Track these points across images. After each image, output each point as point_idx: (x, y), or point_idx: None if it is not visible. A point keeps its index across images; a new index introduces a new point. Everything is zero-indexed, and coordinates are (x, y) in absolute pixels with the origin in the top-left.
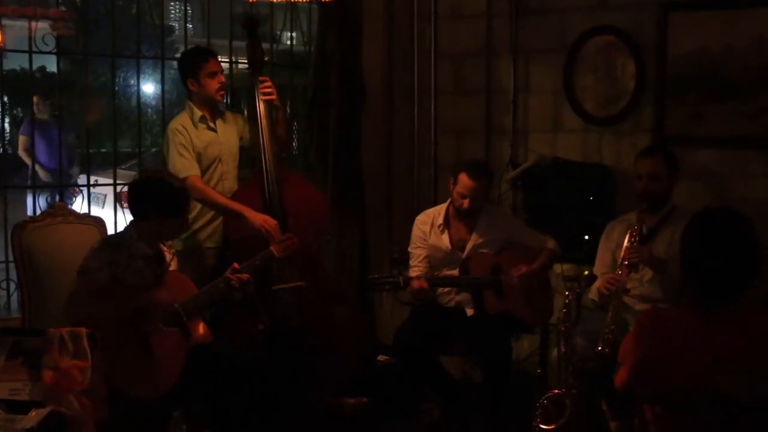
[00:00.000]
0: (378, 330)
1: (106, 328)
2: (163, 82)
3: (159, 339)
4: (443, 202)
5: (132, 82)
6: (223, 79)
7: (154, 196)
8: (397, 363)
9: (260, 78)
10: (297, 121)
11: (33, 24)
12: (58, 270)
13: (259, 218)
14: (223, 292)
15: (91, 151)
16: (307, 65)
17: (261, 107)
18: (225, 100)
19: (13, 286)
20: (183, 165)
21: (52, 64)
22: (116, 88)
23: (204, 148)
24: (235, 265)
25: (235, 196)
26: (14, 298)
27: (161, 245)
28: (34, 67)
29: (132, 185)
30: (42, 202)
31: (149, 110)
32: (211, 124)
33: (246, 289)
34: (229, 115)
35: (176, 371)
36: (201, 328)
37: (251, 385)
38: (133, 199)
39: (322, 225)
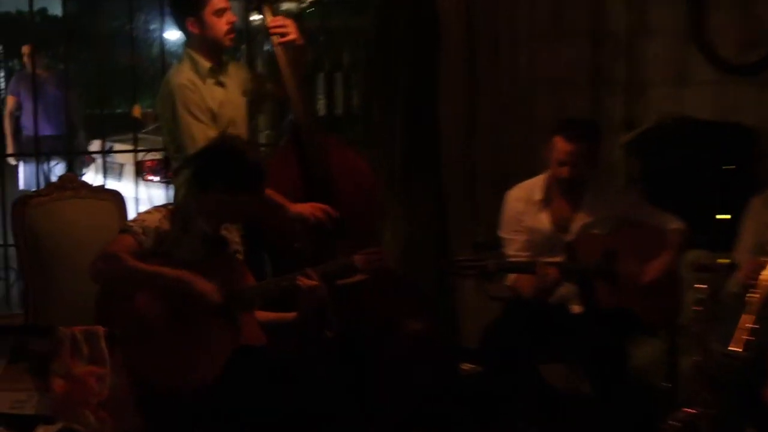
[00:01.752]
0: (461, 331)
1: (138, 301)
2: None
3: (200, 324)
4: (541, 173)
5: (153, 27)
6: (233, 18)
7: (221, 164)
8: (486, 372)
9: (269, 18)
10: (355, 74)
11: None
12: (69, 255)
13: (305, 208)
14: (284, 293)
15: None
16: (367, 4)
17: (281, 55)
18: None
19: (13, 275)
20: (202, 132)
21: (55, 7)
22: (134, 35)
23: (218, 108)
24: (308, 270)
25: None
26: (15, 290)
27: (225, 229)
28: (34, 8)
29: (203, 152)
30: (32, 175)
31: (174, 62)
32: (221, 78)
33: (312, 298)
34: (231, 66)
35: (216, 365)
36: (253, 326)
37: (306, 404)
38: (199, 169)
39: (375, 203)
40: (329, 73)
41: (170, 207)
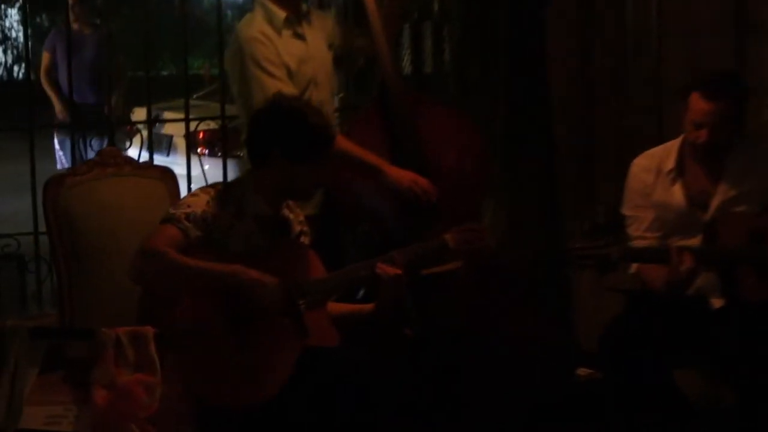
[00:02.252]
0: (577, 330)
1: (188, 303)
2: None
3: (261, 326)
4: (673, 138)
5: None
6: None
7: (280, 132)
8: (606, 379)
9: None
10: (447, 25)
11: None
12: (111, 244)
13: (405, 177)
14: (360, 283)
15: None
16: None
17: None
18: None
19: (45, 268)
20: (276, 87)
21: None
22: None
23: (296, 65)
24: (392, 254)
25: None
26: (48, 286)
27: (287, 209)
28: None
29: (256, 116)
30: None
31: (228, 13)
32: (299, 30)
33: (393, 288)
34: (315, 14)
35: (280, 378)
36: (324, 324)
37: (387, 414)
38: (255, 135)
39: (480, 174)
40: (416, 24)
41: (219, 187)
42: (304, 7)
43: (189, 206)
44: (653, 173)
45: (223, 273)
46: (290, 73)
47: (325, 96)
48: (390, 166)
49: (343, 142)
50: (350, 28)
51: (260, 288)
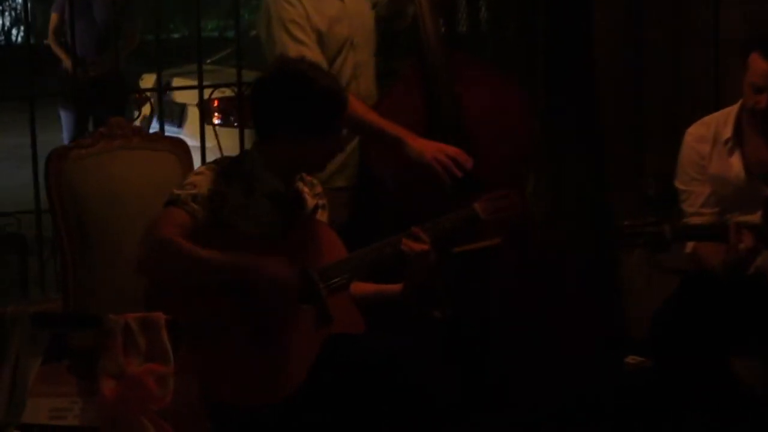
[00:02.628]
0: (626, 315)
1: (200, 296)
2: None
3: (282, 320)
4: (732, 104)
5: None
6: None
7: (290, 101)
8: (658, 368)
9: None
10: None
11: None
12: (119, 221)
13: (429, 148)
14: (385, 262)
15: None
16: None
17: None
18: None
19: (48, 248)
20: (300, 53)
21: None
22: None
23: (327, 26)
24: (416, 229)
25: (380, 107)
26: (50, 268)
27: (301, 182)
28: None
29: (257, 85)
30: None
31: None
32: None
33: (422, 265)
34: None
35: (302, 370)
36: (348, 309)
37: (415, 403)
38: (259, 105)
39: (524, 143)
40: None
41: (226, 162)
42: None
43: (195, 186)
44: (709, 143)
45: (236, 266)
46: (321, 36)
47: (365, 57)
48: (413, 136)
49: (360, 110)
50: None
51: (274, 280)
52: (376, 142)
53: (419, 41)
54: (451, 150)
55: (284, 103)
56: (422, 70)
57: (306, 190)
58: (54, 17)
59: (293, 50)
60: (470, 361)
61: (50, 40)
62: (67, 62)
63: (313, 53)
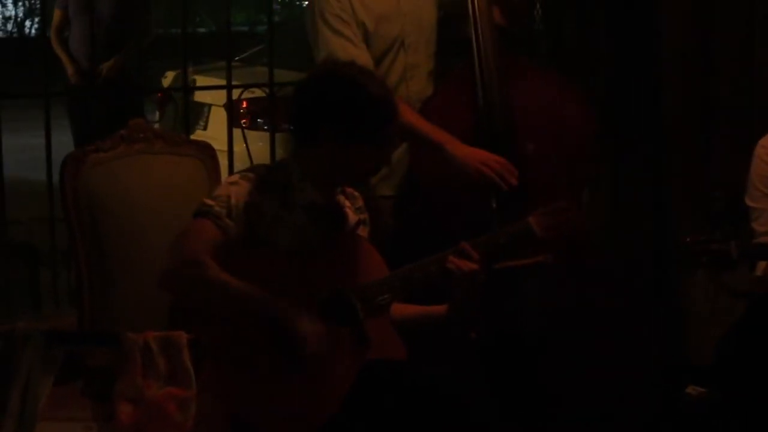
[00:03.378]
0: (688, 341)
1: (230, 319)
2: None
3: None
4: None
5: None
6: None
7: (336, 105)
8: (721, 398)
9: None
10: None
11: None
12: (139, 232)
13: (473, 157)
14: (430, 282)
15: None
16: None
17: None
18: None
19: (62, 260)
20: (344, 49)
21: None
22: None
23: (375, 24)
24: (465, 245)
25: (426, 109)
26: (64, 281)
27: (342, 195)
28: None
29: (302, 86)
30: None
31: None
32: None
33: (470, 285)
34: None
35: (338, 396)
36: (387, 333)
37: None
38: (302, 109)
39: (582, 153)
40: None
41: (263, 172)
42: None
43: (229, 196)
44: None
45: (265, 305)
46: (367, 34)
47: (419, 59)
48: (457, 143)
49: (404, 111)
50: None
51: (302, 336)
52: (421, 147)
53: (473, 44)
54: (497, 160)
55: (330, 107)
56: (473, 73)
57: (347, 203)
58: (57, 14)
59: (337, 45)
60: (514, 386)
61: (52, 40)
62: (69, 68)
63: (359, 50)
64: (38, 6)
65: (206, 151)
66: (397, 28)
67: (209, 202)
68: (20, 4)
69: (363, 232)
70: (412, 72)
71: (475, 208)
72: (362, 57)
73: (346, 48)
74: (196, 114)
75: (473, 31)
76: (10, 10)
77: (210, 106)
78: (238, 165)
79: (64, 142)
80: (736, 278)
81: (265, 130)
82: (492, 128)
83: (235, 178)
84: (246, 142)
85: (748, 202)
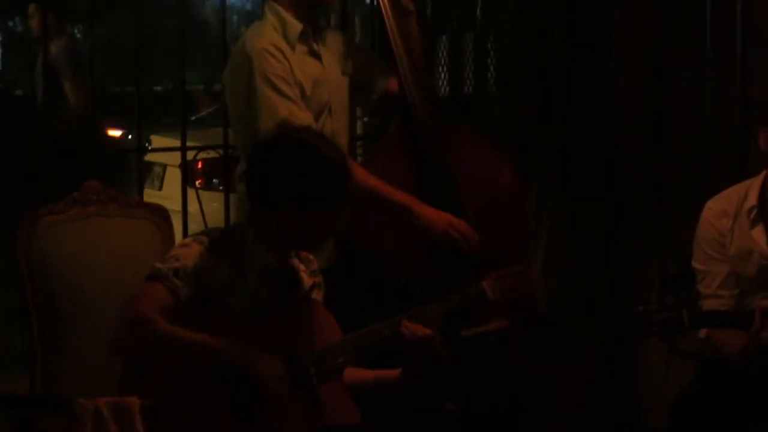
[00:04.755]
0: (641, 404)
1: (181, 382)
2: None
3: (269, 406)
4: (758, 173)
5: None
6: None
7: (285, 170)
8: None
9: None
10: (493, 36)
11: None
12: (93, 295)
13: (441, 220)
14: (383, 347)
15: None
16: None
17: (385, 6)
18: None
19: (14, 322)
20: (288, 110)
21: None
22: None
23: (311, 87)
24: (417, 310)
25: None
26: (17, 344)
27: (296, 258)
28: None
29: (256, 150)
30: None
31: (234, 18)
32: (314, 47)
33: (423, 350)
34: (329, 33)
35: None
36: (341, 398)
37: None
38: (256, 173)
39: (522, 216)
40: (455, 35)
41: (216, 235)
42: (321, 21)
43: (178, 259)
44: (730, 218)
45: (217, 351)
46: (304, 97)
47: (340, 126)
48: (422, 205)
49: (363, 176)
50: (378, 62)
51: (263, 380)
52: (362, 214)
53: (407, 112)
54: (462, 223)
55: (285, 173)
56: (411, 141)
57: (302, 267)
58: None
59: (282, 107)
60: None
61: None
62: None
63: (302, 111)
64: None
65: (160, 213)
66: (326, 93)
67: (159, 265)
68: None
69: (317, 295)
70: (337, 138)
71: (428, 272)
72: (307, 119)
73: (291, 109)
74: (152, 173)
75: (408, 103)
76: None
77: (165, 166)
78: (193, 226)
79: None
80: (688, 340)
81: (220, 190)
82: (437, 197)
83: (188, 240)
84: (200, 202)
85: (695, 265)
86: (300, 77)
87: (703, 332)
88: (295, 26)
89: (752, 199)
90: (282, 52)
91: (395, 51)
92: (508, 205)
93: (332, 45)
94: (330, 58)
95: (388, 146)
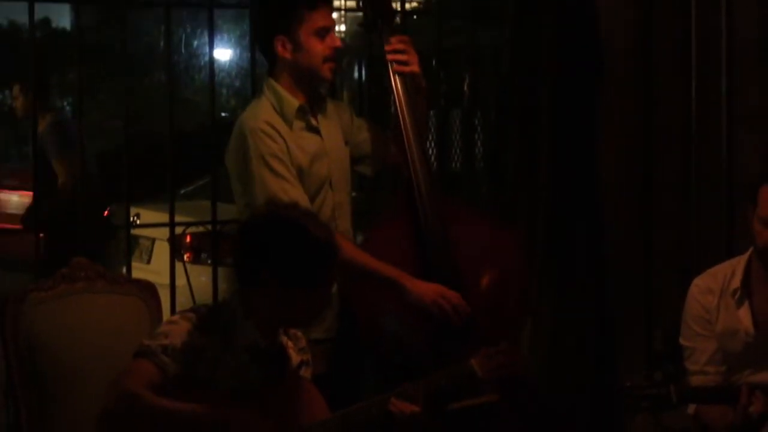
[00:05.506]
0: None
1: None
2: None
3: None
4: (744, 251)
5: (200, 42)
6: (337, 42)
7: (273, 249)
8: None
9: (390, 36)
10: (481, 112)
11: None
12: (80, 373)
13: (432, 291)
14: (372, 424)
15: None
16: (497, 14)
17: (398, 86)
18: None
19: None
20: (282, 190)
21: (63, 19)
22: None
23: (309, 163)
24: (406, 386)
25: (367, 249)
26: (2, 422)
27: (284, 336)
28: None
29: (244, 228)
30: None
31: (223, 92)
32: (313, 122)
33: (411, 428)
34: (330, 103)
35: None
36: None
37: None
38: (244, 251)
39: (518, 293)
40: (443, 111)
41: (203, 312)
42: (322, 93)
43: (167, 336)
44: (716, 295)
45: (204, 420)
46: (302, 173)
47: (342, 198)
48: (411, 278)
49: (351, 252)
50: (380, 133)
51: None
52: (360, 287)
53: (409, 185)
54: (454, 295)
55: (272, 251)
56: (411, 214)
57: (290, 344)
58: None
59: (275, 187)
60: None
61: None
62: None
63: (296, 190)
64: None
65: (148, 289)
66: (325, 167)
67: (147, 342)
68: None
69: (306, 372)
70: (339, 211)
71: (418, 347)
72: (301, 197)
73: (285, 188)
74: (139, 247)
75: (411, 178)
76: None
77: (154, 239)
78: (181, 300)
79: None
80: (676, 417)
81: (209, 264)
82: (433, 270)
83: (176, 318)
84: (188, 277)
85: (682, 342)
86: (297, 154)
87: (691, 408)
88: (293, 103)
89: (736, 281)
90: (277, 130)
91: (403, 126)
92: (507, 280)
93: (333, 115)
94: (330, 129)
95: (389, 220)
